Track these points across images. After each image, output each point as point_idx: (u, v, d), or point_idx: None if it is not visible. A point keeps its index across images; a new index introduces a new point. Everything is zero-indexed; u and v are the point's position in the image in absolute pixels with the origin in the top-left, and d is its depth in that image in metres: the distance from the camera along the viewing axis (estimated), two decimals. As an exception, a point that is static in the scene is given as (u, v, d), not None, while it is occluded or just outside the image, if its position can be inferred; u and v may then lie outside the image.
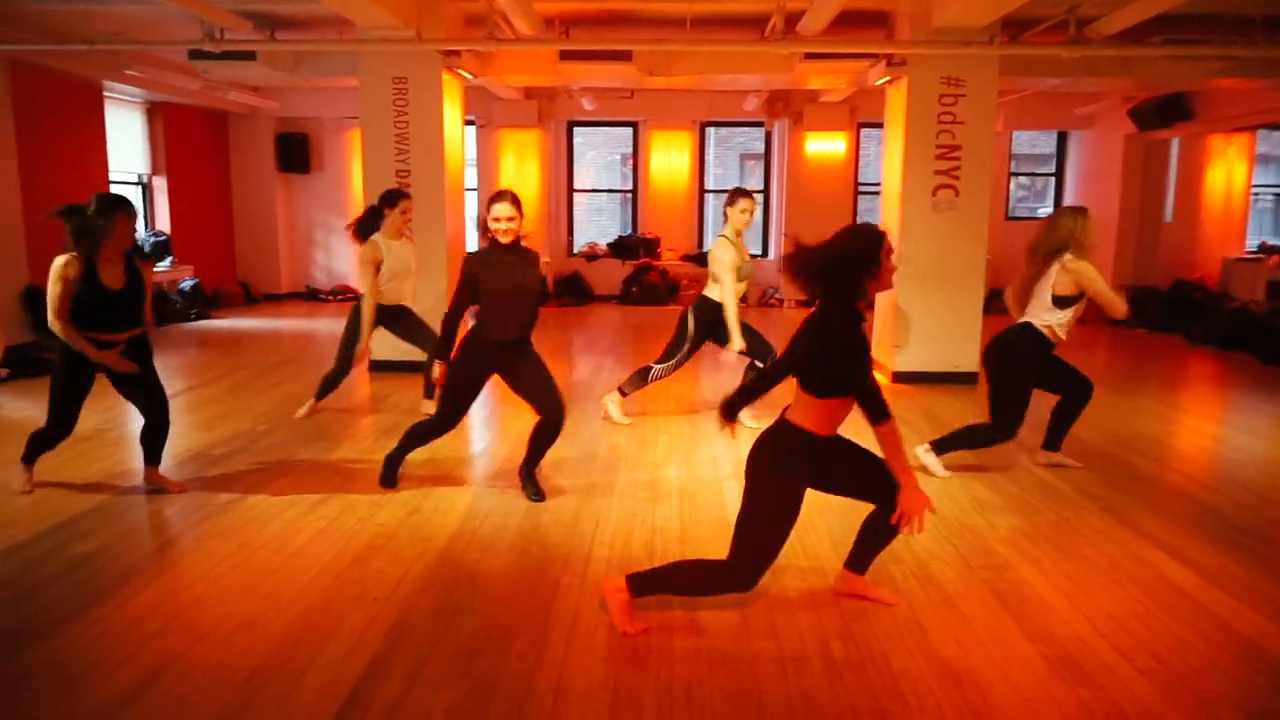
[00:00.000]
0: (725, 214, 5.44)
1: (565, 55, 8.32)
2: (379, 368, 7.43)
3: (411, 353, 6.39)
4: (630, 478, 4.70)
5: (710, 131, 13.63)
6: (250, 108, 11.50)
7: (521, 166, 12.48)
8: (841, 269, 2.73)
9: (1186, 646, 2.90)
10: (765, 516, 2.87)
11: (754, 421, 5.53)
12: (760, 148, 13.74)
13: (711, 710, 2.51)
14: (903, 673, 2.71)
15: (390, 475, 4.44)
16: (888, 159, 7.78)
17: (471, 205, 11.78)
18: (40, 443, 4.25)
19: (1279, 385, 7.42)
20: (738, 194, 5.43)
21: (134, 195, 10.84)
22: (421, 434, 4.34)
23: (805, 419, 2.84)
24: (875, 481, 2.94)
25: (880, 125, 8.26)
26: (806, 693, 2.60)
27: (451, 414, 4.22)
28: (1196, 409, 6.90)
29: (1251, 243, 12.32)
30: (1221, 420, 6.52)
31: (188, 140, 11.37)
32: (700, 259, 12.88)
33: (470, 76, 7.98)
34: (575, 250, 13.30)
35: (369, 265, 5.43)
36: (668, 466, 4.88)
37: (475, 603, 3.18)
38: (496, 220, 4.05)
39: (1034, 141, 13.99)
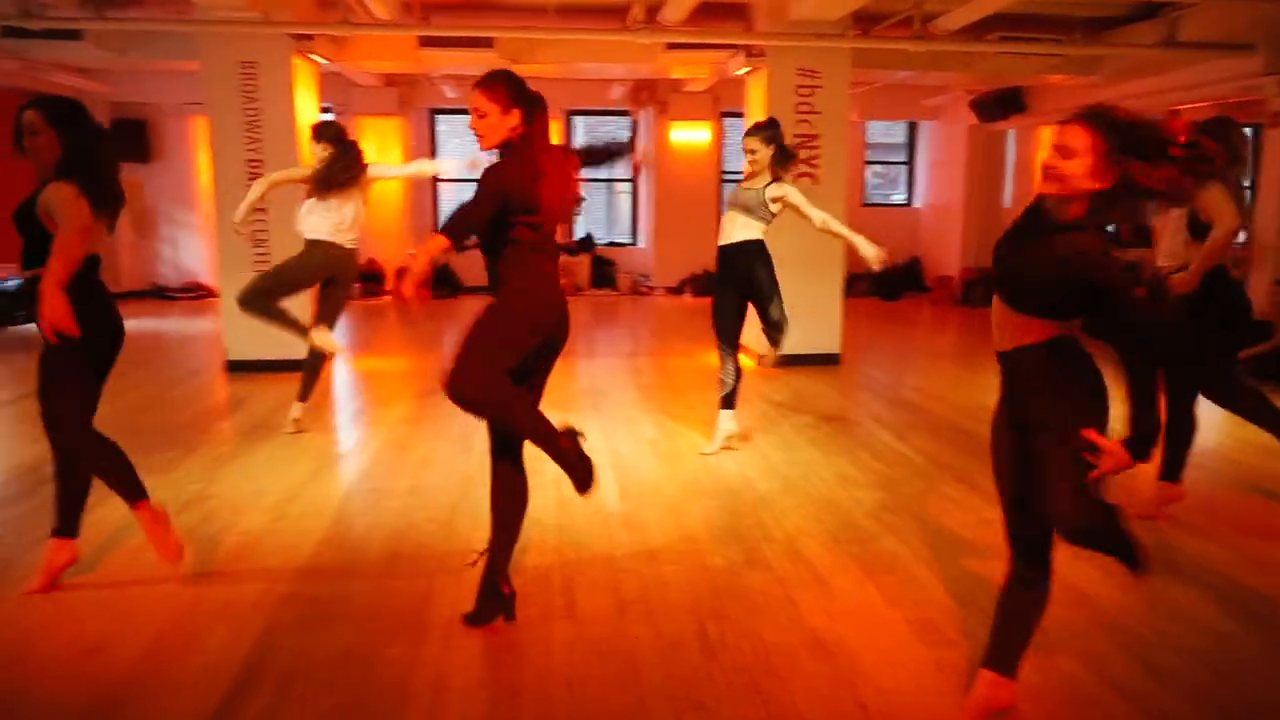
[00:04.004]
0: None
1: (425, 42, 8.10)
2: (237, 368, 7.05)
3: (272, 350, 6.10)
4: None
5: (577, 120, 13.57)
6: (77, 91, 10.61)
7: (383, 156, 12.07)
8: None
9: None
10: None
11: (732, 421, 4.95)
12: (627, 137, 13.79)
13: (591, 700, 2.53)
14: (775, 647, 2.81)
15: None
16: (750, 148, 7.96)
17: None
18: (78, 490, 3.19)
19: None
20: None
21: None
22: None
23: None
24: None
25: (742, 114, 8.45)
26: (685, 676, 2.65)
27: None
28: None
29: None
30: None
31: (6, 125, 10.37)
32: (570, 248, 12.85)
33: (325, 61, 7.66)
34: (442, 241, 13.01)
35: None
36: (541, 457, 4.84)
37: (347, 609, 3.08)
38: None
39: (887, 131, 14.63)
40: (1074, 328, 2.23)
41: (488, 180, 2.71)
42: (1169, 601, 3.15)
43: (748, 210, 4.68)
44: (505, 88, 2.75)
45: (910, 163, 13.87)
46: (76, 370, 2.99)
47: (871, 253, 4.42)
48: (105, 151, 3.07)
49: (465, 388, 2.63)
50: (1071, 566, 3.39)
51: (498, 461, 2.92)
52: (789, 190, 4.62)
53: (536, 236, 2.74)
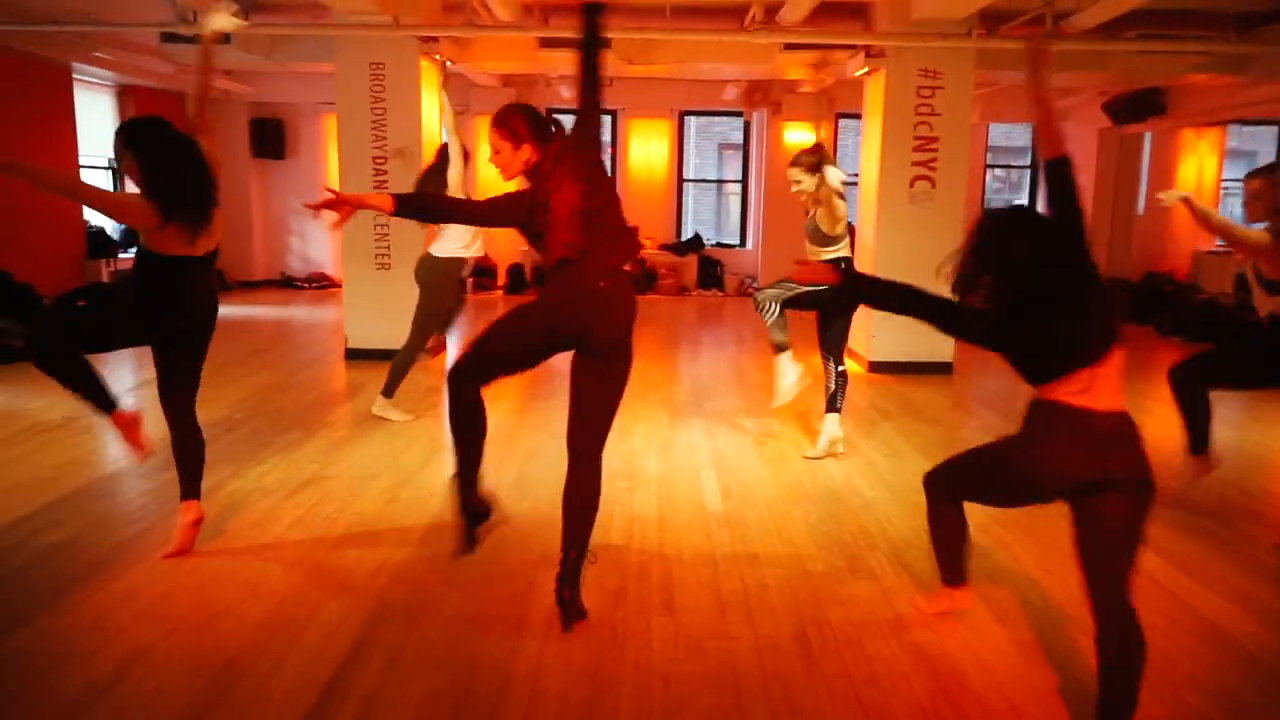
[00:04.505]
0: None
1: (544, 43, 8.27)
2: (355, 355, 7.37)
3: (389, 340, 6.35)
4: (608, 466, 4.69)
5: (690, 120, 13.60)
6: (224, 92, 11.31)
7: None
8: None
9: (1155, 631, 2.94)
10: None
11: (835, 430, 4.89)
12: (739, 137, 13.73)
13: (690, 696, 2.53)
14: (877, 657, 2.75)
15: None
16: (865, 150, 7.81)
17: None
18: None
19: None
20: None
21: (106, 181, 10.68)
22: None
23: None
24: None
25: (858, 116, 8.28)
26: (783, 678, 2.62)
27: None
28: (1165, 398, 7.00)
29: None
30: (1190, 410, 6.62)
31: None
32: (678, 248, 12.89)
33: (448, 63, 7.91)
34: (553, 239, 13.26)
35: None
36: (646, 455, 4.89)
37: (453, 592, 3.18)
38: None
39: (1010, 134, 14.09)
40: (1043, 391, 2.42)
41: (496, 197, 2.87)
42: (1313, 640, 2.92)
43: (808, 236, 4.87)
44: (517, 124, 2.82)
45: (1034, 167, 13.30)
46: (114, 315, 3.27)
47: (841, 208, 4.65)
48: (180, 163, 3.18)
49: (452, 374, 2.85)
50: (1205, 600, 3.18)
51: (570, 459, 2.95)
52: (827, 202, 4.65)
53: (561, 251, 2.75)
